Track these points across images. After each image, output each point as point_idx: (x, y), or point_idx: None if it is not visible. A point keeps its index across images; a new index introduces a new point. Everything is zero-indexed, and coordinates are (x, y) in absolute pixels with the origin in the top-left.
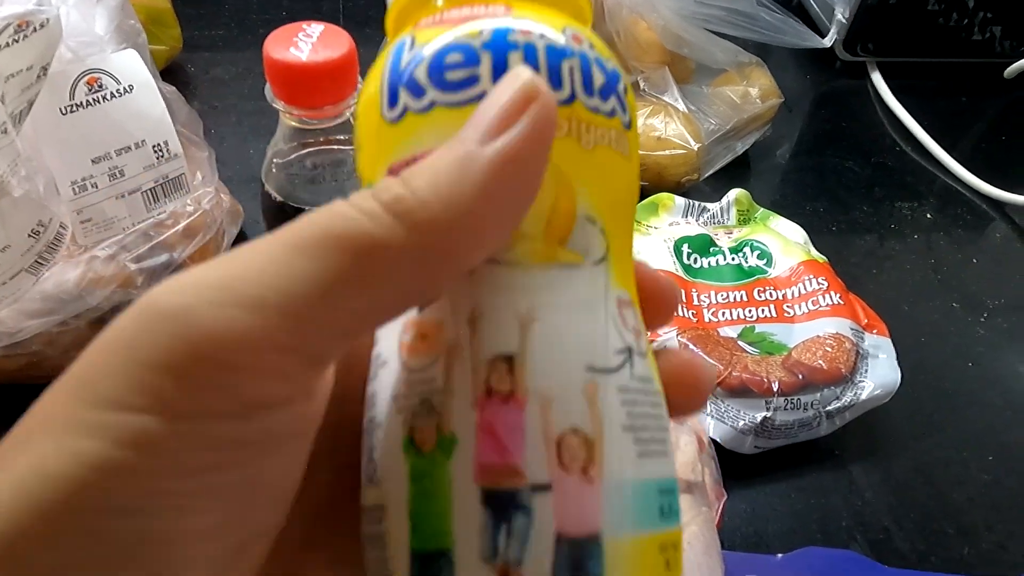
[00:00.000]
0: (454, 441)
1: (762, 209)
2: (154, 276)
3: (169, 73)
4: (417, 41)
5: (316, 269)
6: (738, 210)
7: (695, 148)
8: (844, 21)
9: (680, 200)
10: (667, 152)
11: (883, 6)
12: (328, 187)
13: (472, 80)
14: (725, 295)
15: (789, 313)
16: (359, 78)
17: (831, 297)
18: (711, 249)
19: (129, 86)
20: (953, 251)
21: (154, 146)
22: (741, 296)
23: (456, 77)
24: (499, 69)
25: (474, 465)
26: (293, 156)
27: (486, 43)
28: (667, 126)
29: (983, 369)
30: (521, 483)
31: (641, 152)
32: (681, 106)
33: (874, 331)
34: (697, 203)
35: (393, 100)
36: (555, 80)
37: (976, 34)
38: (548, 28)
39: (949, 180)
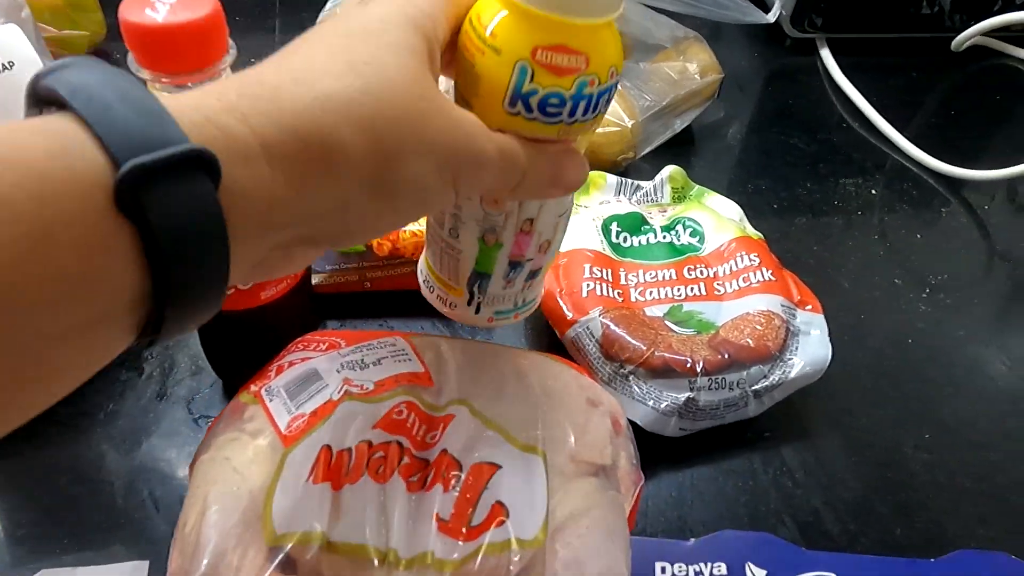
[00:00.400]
0: (501, 245)
1: (697, 186)
2: None
3: None
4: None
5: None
6: (672, 188)
7: (629, 125)
8: None
9: (612, 179)
10: (601, 130)
11: None
12: None
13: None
14: (653, 274)
15: (719, 291)
16: (229, 40)
17: (762, 273)
18: (642, 228)
19: (9, 62)
20: (897, 227)
21: None
22: (670, 274)
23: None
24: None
25: (509, 254)
26: None
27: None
28: None
29: (923, 346)
30: (523, 259)
31: None
32: None
33: (807, 307)
34: (630, 181)
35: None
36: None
37: (925, 8)
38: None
39: (896, 155)
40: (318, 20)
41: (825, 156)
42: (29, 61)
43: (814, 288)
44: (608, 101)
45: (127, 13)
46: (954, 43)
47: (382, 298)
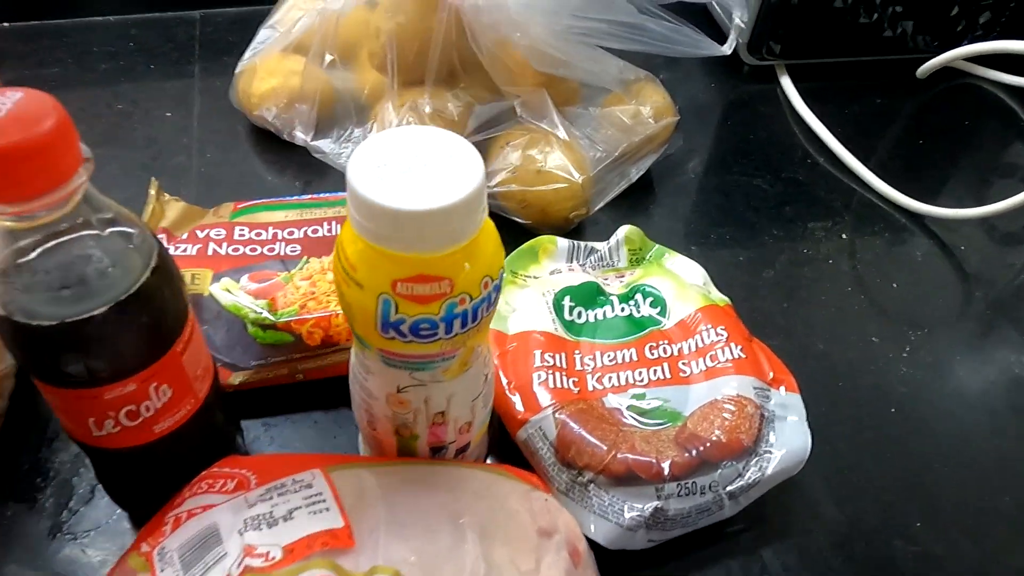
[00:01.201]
0: (417, 436)
1: (657, 246)
2: None
3: None
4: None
5: None
6: (629, 249)
7: (579, 180)
8: (742, 25)
9: (563, 243)
10: (550, 187)
11: (786, 5)
12: (54, 298)
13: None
14: (612, 355)
15: (685, 372)
16: (82, 147)
17: (731, 350)
18: (598, 299)
19: None
20: (871, 275)
21: None
22: (631, 355)
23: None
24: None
25: (427, 443)
26: (8, 262)
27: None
28: (547, 157)
29: (906, 414)
30: (444, 443)
31: (522, 188)
32: (562, 133)
33: (781, 387)
34: (583, 245)
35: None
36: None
37: (887, 30)
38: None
39: (864, 191)
40: (239, 67)
41: (791, 197)
42: None
43: (787, 353)
44: (493, 303)
45: None
46: (919, 71)
47: (312, 387)
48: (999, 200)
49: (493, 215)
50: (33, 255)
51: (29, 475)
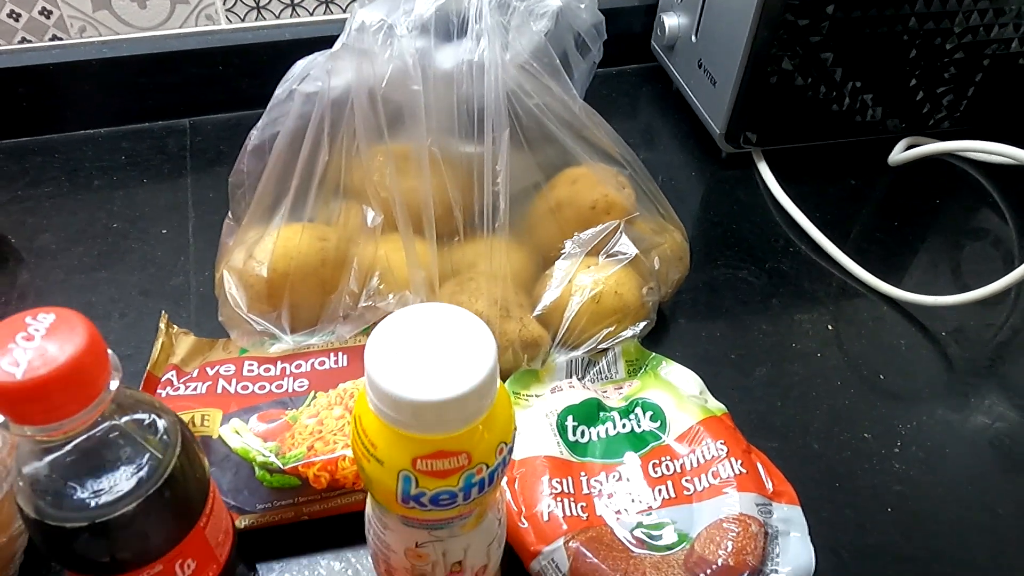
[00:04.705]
0: None
1: (652, 355)
2: None
3: None
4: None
5: None
6: (626, 361)
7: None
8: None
9: (561, 360)
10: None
11: (760, 97)
12: (84, 500)
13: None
14: (617, 475)
15: (688, 490)
16: (113, 366)
17: (731, 466)
18: (600, 415)
19: None
20: (859, 367)
21: None
22: (636, 476)
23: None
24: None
25: None
26: (37, 470)
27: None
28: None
29: (902, 513)
30: None
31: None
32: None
33: (782, 500)
34: (581, 358)
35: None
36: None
37: (858, 116)
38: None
39: (846, 279)
40: (232, 179)
41: (777, 289)
42: None
43: (784, 456)
44: (507, 464)
45: None
46: (891, 160)
47: (318, 526)
48: (976, 281)
49: None
50: (60, 460)
51: None
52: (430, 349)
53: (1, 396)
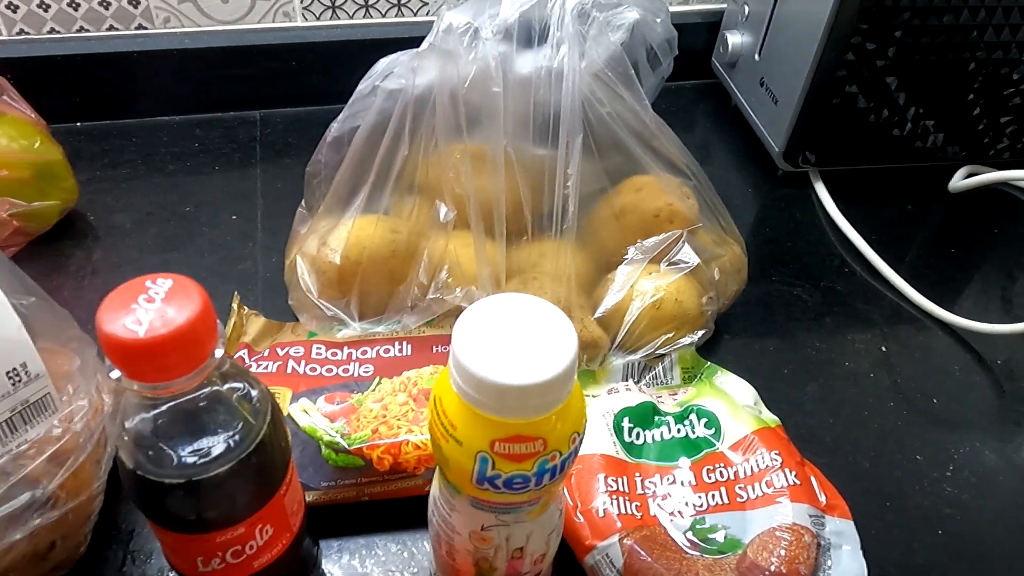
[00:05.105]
0: (496, 569)
1: (708, 364)
2: (13, 522)
3: (64, 225)
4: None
5: None
6: (682, 368)
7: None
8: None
9: (618, 362)
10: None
11: (820, 119)
12: (182, 457)
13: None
14: (671, 478)
15: (742, 497)
16: (220, 333)
17: (785, 476)
18: (655, 419)
19: None
20: (912, 390)
21: (8, 372)
22: (689, 479)
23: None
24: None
25: (504, 574)
26: (141, 425)
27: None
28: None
29: (953, 537)
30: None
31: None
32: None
33: (835, 514)
34: (638, 362)
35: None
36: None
37: (919, 142)
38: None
39: (901, 302)
40: (309, 169)
41: (830, 307)
42: None
43: (835, 471)
44: (575, 455)
45: (107, 323)
46: (951, 187)
47: (378, 508)
48: None
49: None
50: (164, 417)
51: None
52: (515, 336)
53: (122, 352)
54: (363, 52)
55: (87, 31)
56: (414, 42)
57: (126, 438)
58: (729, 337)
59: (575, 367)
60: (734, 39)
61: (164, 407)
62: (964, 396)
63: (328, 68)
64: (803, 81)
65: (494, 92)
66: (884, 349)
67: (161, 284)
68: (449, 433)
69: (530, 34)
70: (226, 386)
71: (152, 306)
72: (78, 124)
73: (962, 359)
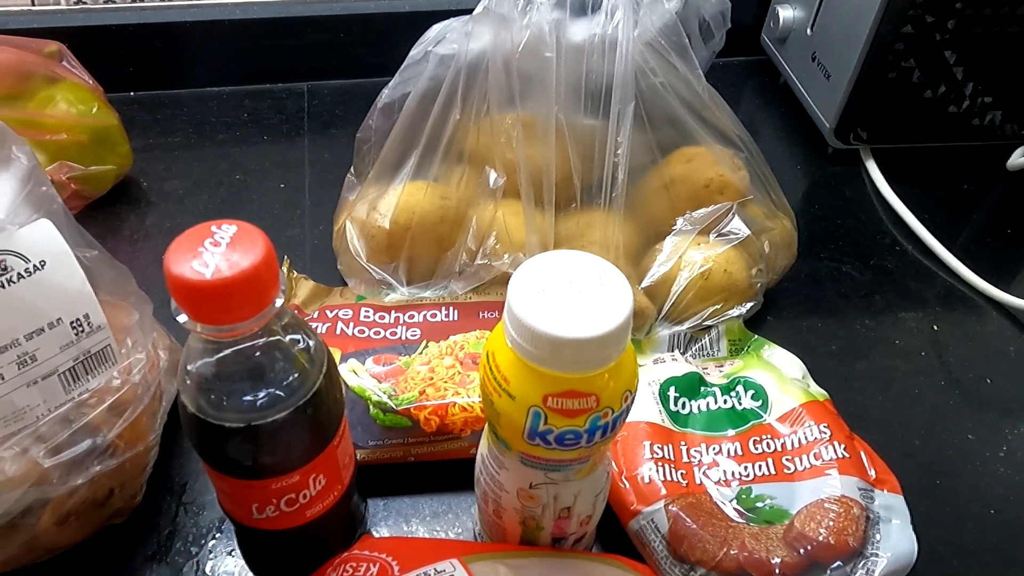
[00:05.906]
0: (542, 528)
1: (755, 337)
2: (75, 467)
3: (119, 191)
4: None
5: None
6: (729, 340)
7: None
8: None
9: (664, 333)
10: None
11: (874, 95)
12: (242, 402)
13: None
14: (717, 448)
15: (789, 468)
16: (281, 281)
17: (834, 449)
18: (701, 389)
19: (41, 262)
20: (964, 369)
21: (72, 322)
22: (736, 449)
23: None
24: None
25: (551, 534)
26: (203, 368)
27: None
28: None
29: (1006, 517)
30: (566, 535)
31: None
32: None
33: (884, 488)
34: (684, 333)
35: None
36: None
37: (975, 119)
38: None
39: (954, 281)
40: (360, 135)
41: (880, 286)
42: (62, 257)
43: (884, 448)
44: (627, 414)
45: (175, 264)
46: (1009, 164)
47: (423, 469)
48: None
49: None
50: (226, 362)
51: (170, 538)
52: (571, 291)
53: (189, 293)
54: (411, 24)
55: (141, 1)
56: (462, 15)
57: (188, 381)
58: (777, 312)
59: (630, 323)
60: (786, 13)
61: (226, 351)
62: (1019, 377)
63: (376, 41)
64: (857, 55)
65: (546, 57)
66: (936, 328)
67: (226, 229)
68: (502, 387)
69: (584, 1)
70: (287, 336)
71: (218, 250)
72: (131, 93)
73: (1018, 340)
